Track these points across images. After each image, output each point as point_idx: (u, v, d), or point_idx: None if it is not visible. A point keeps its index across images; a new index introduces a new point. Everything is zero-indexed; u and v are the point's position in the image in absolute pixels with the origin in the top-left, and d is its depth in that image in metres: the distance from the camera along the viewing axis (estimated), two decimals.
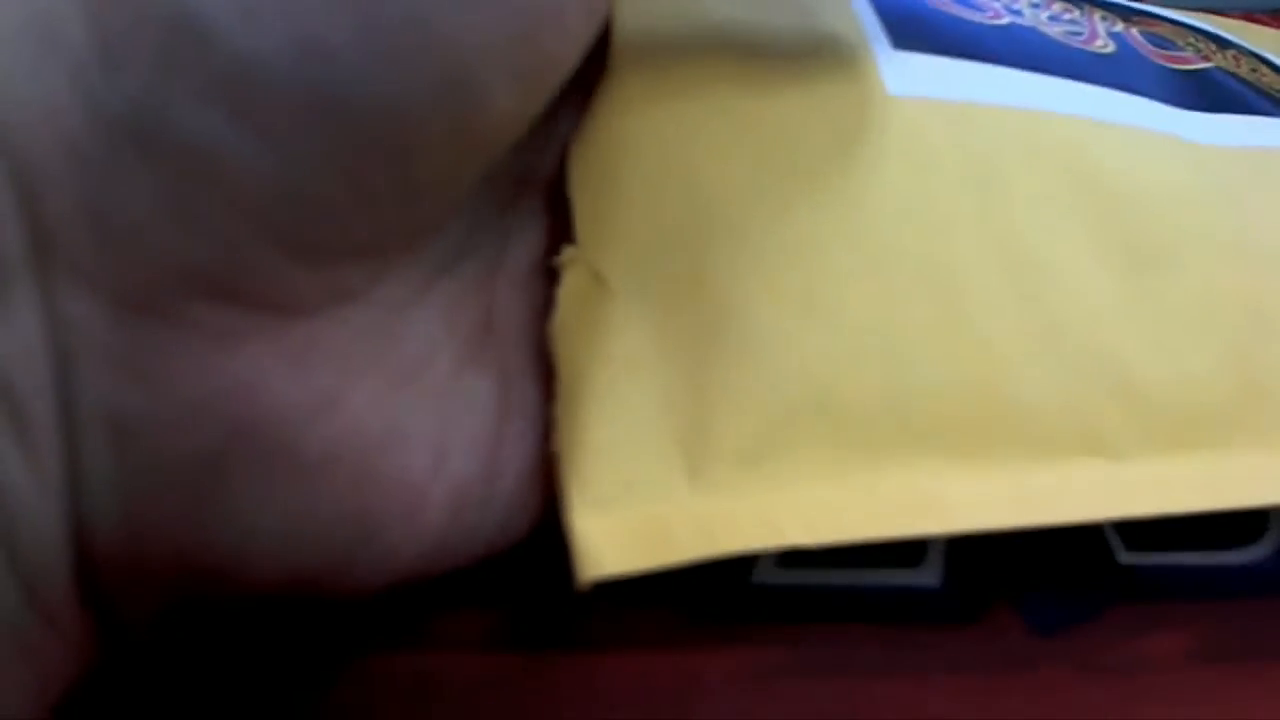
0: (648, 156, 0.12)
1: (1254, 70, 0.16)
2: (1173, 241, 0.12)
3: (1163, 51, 0.16)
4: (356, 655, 0.14)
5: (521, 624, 0.14)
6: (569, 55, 0.10)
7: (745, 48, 0.13)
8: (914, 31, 0.14)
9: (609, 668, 0.14)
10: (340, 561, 0.11)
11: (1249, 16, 0.21)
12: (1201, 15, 0.20)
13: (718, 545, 0.11)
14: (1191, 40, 0.17)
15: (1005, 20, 0.15)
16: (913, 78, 0.13)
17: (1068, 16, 0.16)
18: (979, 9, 0.15)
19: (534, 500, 0.13)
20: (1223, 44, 0.18)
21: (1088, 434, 0.12)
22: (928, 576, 0.15)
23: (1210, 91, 0.15)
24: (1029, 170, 0.13)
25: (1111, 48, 0.15)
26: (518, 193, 0.12)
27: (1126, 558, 0.14)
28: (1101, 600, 0.14)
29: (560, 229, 0.12)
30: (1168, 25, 0.17)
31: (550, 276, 0.12)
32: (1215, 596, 0.14)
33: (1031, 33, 0.15)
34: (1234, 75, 0.16)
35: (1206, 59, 0.16)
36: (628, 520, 0.11)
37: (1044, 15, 0.15)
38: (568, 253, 0.12)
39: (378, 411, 0.11)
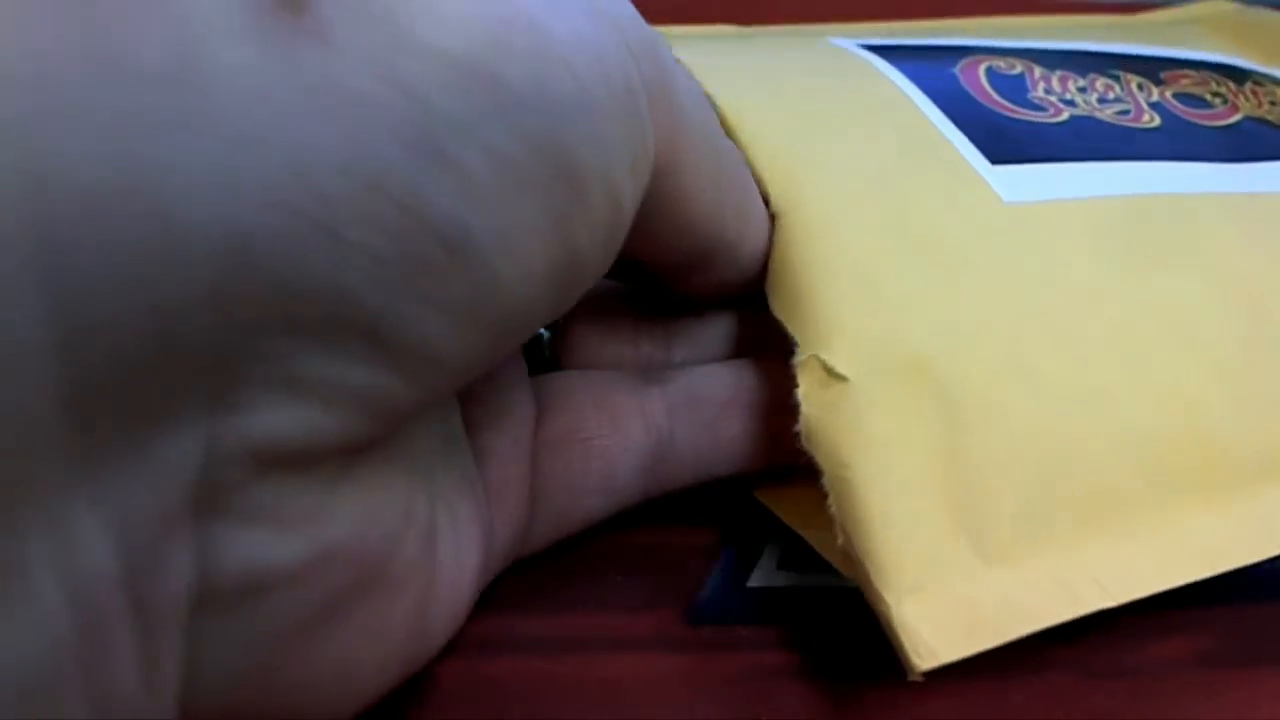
0: (838, 272, 0.14)
1: (1274, 103, 0.20)
2: (1271, 288, 0.15)
3: (1197, 111, 0.19)
4: None
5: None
6: None
7: (874, 182, 0.16)
8: (1004, 147, 0.17)
9: (609, 668, 0.14)
10: (400, 678, 0.12)
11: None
12: (1217, 42, 0.23)
13: (1031, 622, 0.12)
14: (1214, 86, 0.20)
15: (1065, 115, 0.18)
16: (1019, 187, 0.16)
17: (1112, 95, 0.19)
18: (1040, 108, 0.18)
19: (509, 547, 0.14)
20: (1239, 78, 0.21)
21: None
22: None
23: (1248, 143, 0.18)
24: (1141, 247, 0.16)
25: (1157, 121, 0.18)
26: None
27: None
28: None
29: None
30: (1189, 76, 0.21)
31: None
32: (1221, 600, 0.14)
33: (1090, 122, 0.18)
34: (1262, 120, 0.19)
35: (1235, 107, 0.19)
36: (941, 604, 0.12)
37: (1094, 99, 0.19)
38: (799, 355, 0.13)
39: (429, 517, 0.12)
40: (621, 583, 0.15)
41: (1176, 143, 0.18)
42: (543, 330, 0.16)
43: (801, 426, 0.13)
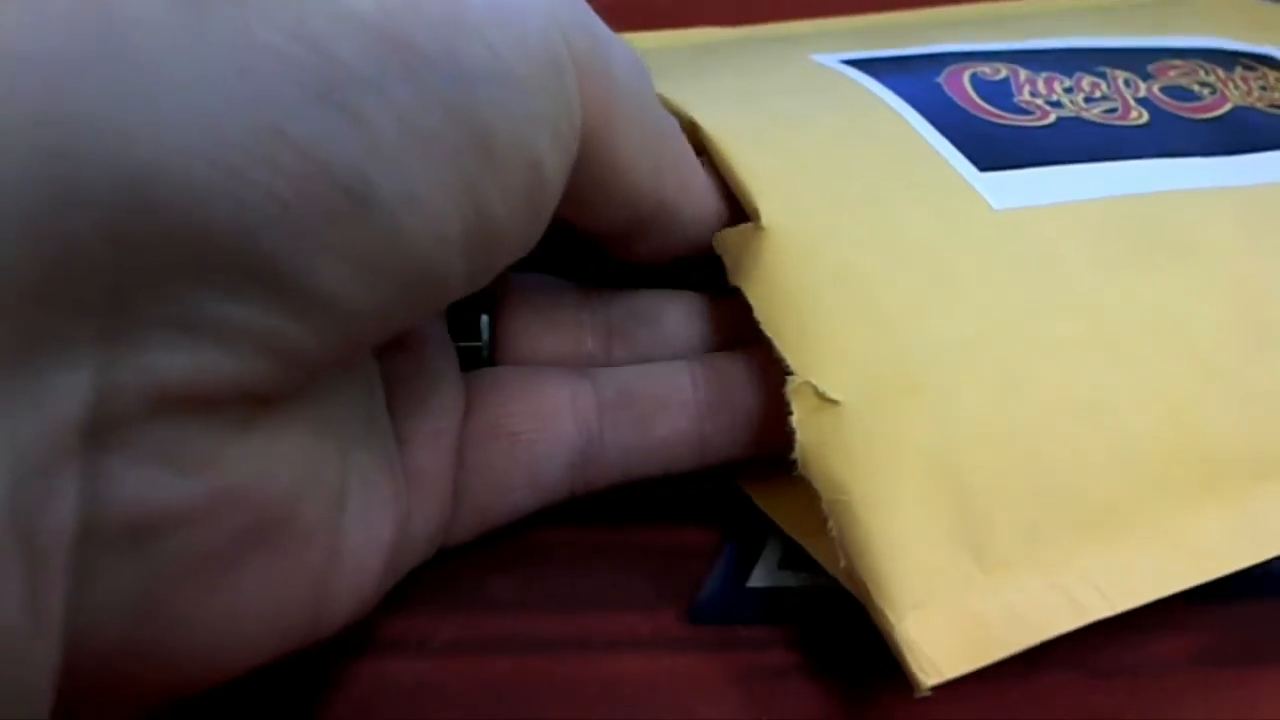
0: (829, 290, 0.14)
1: (1264, 88, 0.20)
2: (1264, 284, 0.15)
3: (1185, 104, 0.19)
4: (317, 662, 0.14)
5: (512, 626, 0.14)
6: None
7: (863, 196, 0.16)
8: (991, 153, 0.17)
9: (609, 668, 0.14)
10: (302, 640, 0.12)
11: None
12: (1205, 20, 0.23)
13: (1034, 633, 0.12)
14: (1201, 76, 0.20)
15: (1052, 117, 0.18)
16: (1008, 193, 0.16)
17: (1099, 94, 0.19)
18: (1027, 112, 0.18)
19: (432, 536, 0.14)
20: (1227, 64, 0.21)
21: (1275, 455, 0.14)
22: None
23: (1239, 134, 0.18)
24: (1133, 248, 0.15)
25: (1145, 117, 0.18)
26: None
27: None
28: None
29: None
30: (1177, 66, 0.20)
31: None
32: (1220, 598, 0.14)
33: (1078, 123, 0.18)
34: (1252, 109, 0.19)
35: (1224, 97, 0.19)
36: (944, 619, 0.12)
37: (1080, 99, 0.19)
38: (791, 382, 0.13)
39: (338, 482, 0.12)
40: (621, 583, 0.15)
41: (1166, 139, 0.18)
42: (484, 332, 0.16)
43: (797, 452, 0.13)
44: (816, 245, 0.15)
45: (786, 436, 0.13)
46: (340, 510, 0.12)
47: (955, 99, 0.19)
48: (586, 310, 0.17)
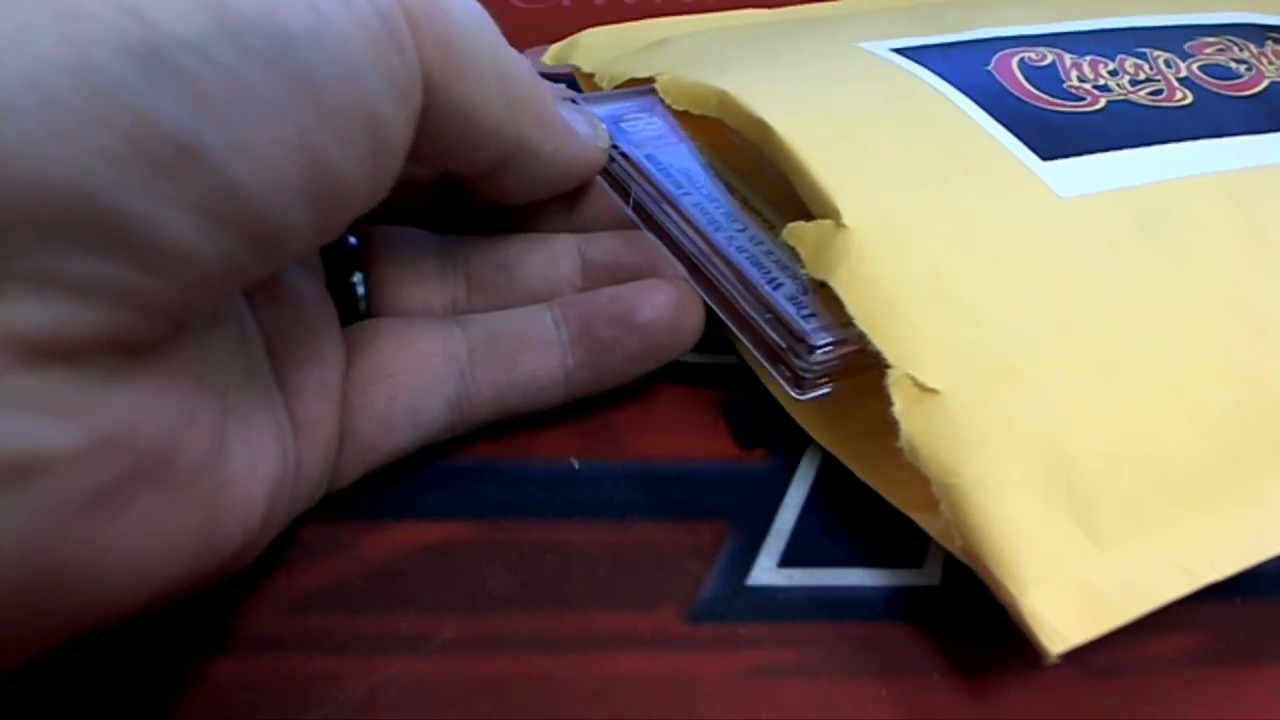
0: (917, 285, 0.15)
1: None
2: None
3: (1226, 83, 0.20)
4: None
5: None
6: None
7: (936, 191, 0.17)
8: (1051, 143, 0.18)
9: (609, 667, 0.14)
10: (196, 570, 0.12)
11: None
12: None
13: (1148, 600, 0.12)
14: (1236, 53, 0.21)
15: (1102, 102, 0.19)
16: (1072, 182, 0.17)
17: (1143, 76, 0.20)
18: (1077, 98, 0.19)
19: (320, 477, 0.15)
20: (1258, 39, 0.22)
21: None
22: (928, 576, 0.15)
23: (1278, 110, 0.19)
24: (1196, 230, 0.17)
25: (1190, 98, 0.19)
26: None
27: None
28: None
29: None
30: (1212, 44, 0.21)
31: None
32: (1217, 596, 0.13)
33: (1127, 106, 0.19)
34: None
35: (1260, 74, 0.20)
36: (1065, 590, 0.12)
37: (1126, 82, 0.20)
38: (891, 375, 0.14)
39: (218, 425, 0.12)
40: (621, 582, 0.15)
41: (1212, 119, 0.19)
42: (358, 287, 0.18)
43: (903, 441, 0.14)
44: (899, 242, 0.16)
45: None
46: (221, 451, 0.12)
47: (1008, 87, 0.20)
48: (449, 261, 0.18)
